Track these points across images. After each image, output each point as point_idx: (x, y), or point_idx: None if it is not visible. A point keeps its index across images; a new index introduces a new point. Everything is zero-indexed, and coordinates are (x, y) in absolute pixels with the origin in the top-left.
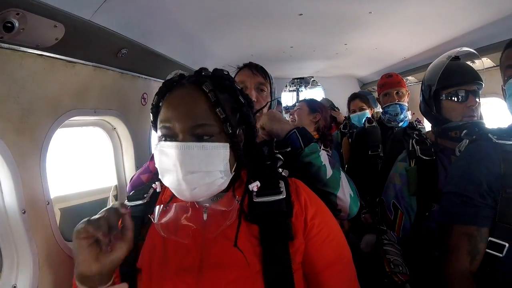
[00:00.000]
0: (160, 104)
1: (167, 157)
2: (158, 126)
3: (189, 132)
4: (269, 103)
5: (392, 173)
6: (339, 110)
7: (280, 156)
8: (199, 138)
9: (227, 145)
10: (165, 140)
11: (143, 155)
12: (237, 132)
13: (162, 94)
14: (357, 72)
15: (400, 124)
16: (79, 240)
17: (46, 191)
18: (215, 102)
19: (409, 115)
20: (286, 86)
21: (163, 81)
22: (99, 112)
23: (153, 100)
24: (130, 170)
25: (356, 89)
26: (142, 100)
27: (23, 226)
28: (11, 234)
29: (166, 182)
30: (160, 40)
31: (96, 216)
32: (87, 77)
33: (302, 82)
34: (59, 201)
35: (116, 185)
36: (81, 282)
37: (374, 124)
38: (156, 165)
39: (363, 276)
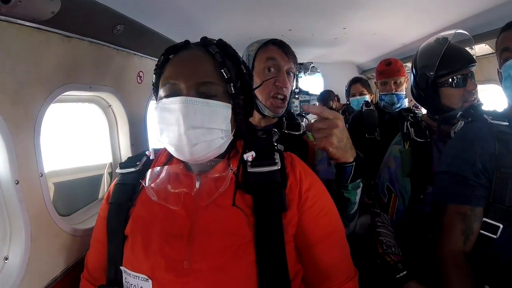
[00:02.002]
0: (164, 66)
1: (170, 112)
2: (161, 84)
3: (194, 88)
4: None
5: (387, 156)
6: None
7: (276, 130)
8: (202, 97)
9: (230, 105)
10: (167, 96)
11: (138, 133)
12: (239, 97)
13: (167, 55)
14: (357, 59)
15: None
16: None
17: (40, 163)
18: (221, 62)
19: (406, 103)
20: None
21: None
22: (95, 88)
23: (158, 61)
24: (125, 148)
25: (355, 75)
26: (138, 78)
27: (16, 196)
28: (4, 204)
29: (165, 139)
30: (157, 19)
31: None
32: (82, 52)
33: (301, 68)
34: (53, 176)
35: (111, 163)
36: None
37: (371, 107)
38: (155, 124)
39: (357, 257)
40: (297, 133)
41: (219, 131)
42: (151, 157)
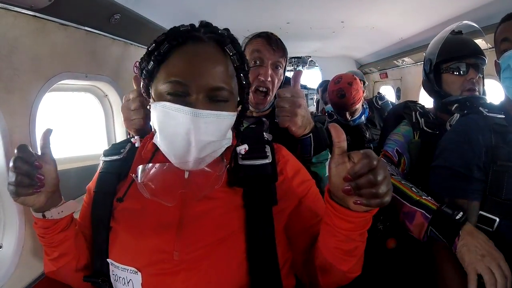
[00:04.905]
0: (168, 54)
1: (176, 121)
2: (163, 78)
3: (205, 93)
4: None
5: (395, 132)
6: None
7: (265, 120)
8: (212, 102)
9: (235, 113)
10: (172, 95)
11: None
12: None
13: (172, 41)
14: (355, 53)
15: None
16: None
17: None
18: (238, 66)
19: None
20: None
21: None
22: (91, 77)
23: (160, 46)
24: (121, 138)
25: (353, 70)
26: (135, 68)
27: None
28: None
29: (167, 148)
30: (155, 9)
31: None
32: (79, 41)
33: (299, 61)
34: None
35: None
36: (39, 211)
37: (334, 117)
38: (156, 126)
39: None
40: None
41: (225, 140)
42: (136, 145)
